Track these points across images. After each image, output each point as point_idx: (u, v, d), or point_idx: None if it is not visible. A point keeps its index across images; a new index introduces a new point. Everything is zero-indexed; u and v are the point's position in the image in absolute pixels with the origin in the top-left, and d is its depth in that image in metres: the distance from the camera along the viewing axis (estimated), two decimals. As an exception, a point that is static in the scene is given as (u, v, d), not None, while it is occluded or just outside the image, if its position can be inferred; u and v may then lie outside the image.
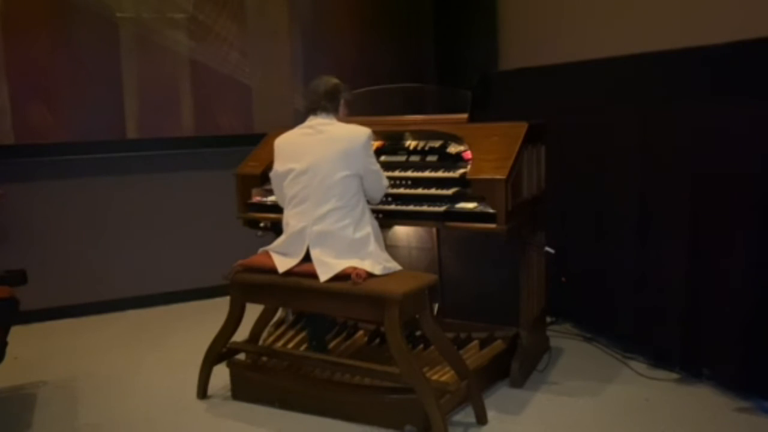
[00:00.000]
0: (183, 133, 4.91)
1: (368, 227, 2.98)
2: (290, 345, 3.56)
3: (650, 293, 3.48)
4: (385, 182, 3.13)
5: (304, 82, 5.04)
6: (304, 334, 3.65)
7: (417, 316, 2.85)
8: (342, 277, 2.83)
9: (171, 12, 4.79)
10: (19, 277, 3.34)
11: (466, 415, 3.00)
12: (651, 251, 3.46)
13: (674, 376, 3.35)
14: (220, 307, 3.32)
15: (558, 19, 4.37)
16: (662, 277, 3.40)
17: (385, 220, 3.23)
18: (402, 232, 3.63)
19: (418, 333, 3.36)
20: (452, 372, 2.99)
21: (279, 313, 3.69)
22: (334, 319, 3.71)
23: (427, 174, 3.28)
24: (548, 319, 3.88)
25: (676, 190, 3.29)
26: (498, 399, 3.18)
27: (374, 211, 3.16)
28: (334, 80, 3.12)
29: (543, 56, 4.40)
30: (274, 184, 3.20)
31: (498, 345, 3.38)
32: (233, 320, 3.19)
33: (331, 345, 3.58)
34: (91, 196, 4.68)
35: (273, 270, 2.98)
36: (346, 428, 2.95)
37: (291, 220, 3.01)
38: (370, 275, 2.83)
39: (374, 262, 2.89)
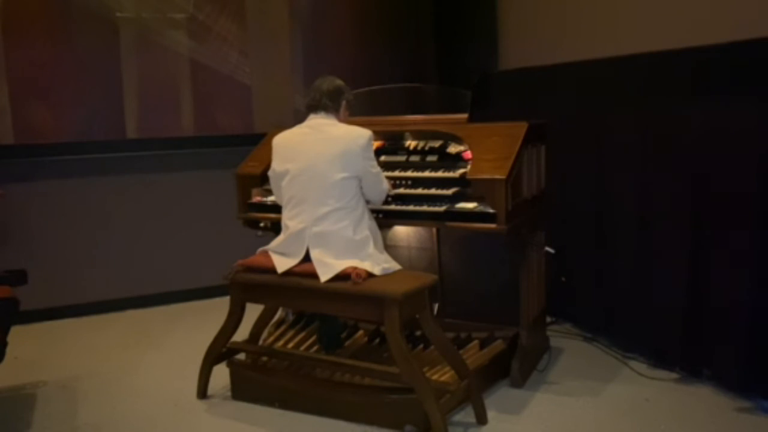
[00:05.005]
0: (183, 133, 4.91)
1: (367, 230, 2.97)
2: (290, 345, 3.56)
3: (650, 293, 3.48)
4: (386, 186, 3.12)
5: (304, 82, 5.05)
6: (304, 333, 3.65)
7: (417, 316, 2.85)
8: (342, 277, 2.83)
9: (171, 12, 4.79)
10: (19, 277, 3.34)
11: (466, 415, 3.00)
12: (651, 251, 3.46)
13: (674, 376, 3.35)
14: (220, 307, 3.32)
15: (558, 19, 4.37)
16: (662, 277, 3.40)
17: (385, 220, 3.23)
18: (402, 232, 3.63)
19: (418, 333, 3.36)
20: (452, 372, 2.99)
21: (279, 313, 3.69)
22: (345, 322, 3.70)
23: (427, 174, 3.28)
24: (548, 319, 3.88)
25: (677, 190, 3.29)
26: (498, 399, 3.18)
27: (374, 211, 3.16)
28: (339, 81, 3.12)
29: (543, 56, 4.40)
30: (273, 184, 3.19)
31: (498, 345, 3.38)
32: (233, 320, 3.19)
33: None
34: (91, 196, 4.68)
35: (273, 270, 2.98)
36: (346, 428, 2.95)
37: (290, 221, 3.01)
38: (370, 275, 2.83)
39: (374, 263, 2.89)
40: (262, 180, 3.53)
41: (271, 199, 3.47)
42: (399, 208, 3.20)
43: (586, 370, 3.48)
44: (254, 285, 3.08)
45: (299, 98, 5.02)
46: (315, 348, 3.53)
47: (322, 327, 3.50)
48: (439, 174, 3.25)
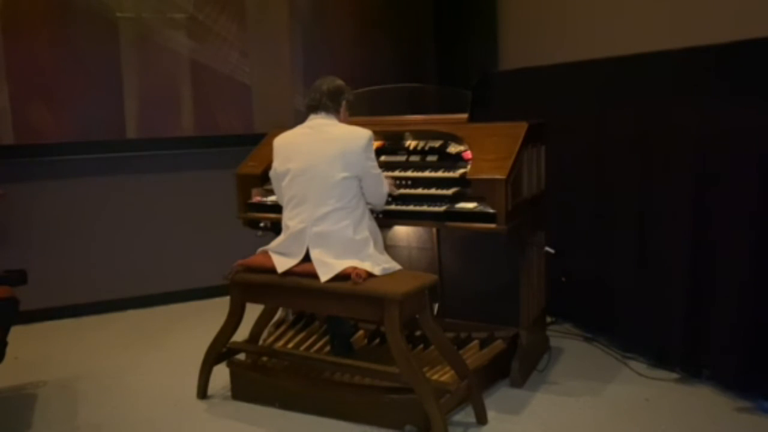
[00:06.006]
0: (183, 133, 4.91)
1: (367, 230, 2.97)
2: (290, 345, 3.56)
3: (650, 293, 3.48)
4: (386, 189, 3.11)
5: (304, 82, 5.05)
6: (304, 333, 3.65)
7: (417, 316, 2.85)
8: (342, 277, 2.83)
9: (171, 12, 4.79)
10: (19, 277, 3.34)
11: (466, 415, 3.00)
12: (651, 251, 3.46)
13: (674, 376, 3.35)
14: (220, 307, 3.33)
15: (558, 19, 4.37)
16: (662, 277, 3.40)
17: (385, 220, 3.22)
18: (402, 232, 3.63)
19: (418, 333, 3.36)
20: (452, 372, 2.99)
21: (279, 313, 3.69)
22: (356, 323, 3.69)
23: (427, 174, 3.28)
24: (548, 319, 3.88)
25: (677, 190, 3.29)
26: (498, 399, 3.18)
27: (374, 211, 3.15)
28: (339, 81, 3.11)
29: (543, 56, 4.40)
30: (274, 184, 3.20)
31: (498, 345, 3.38)
32: (233, 320, 3.19)
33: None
34: (91, 196, 4.68)
35: (273, 270, 2.98)
36: (346, 428, 2.95)
37: (290, 221, 3.01)
38: (370, 275, 2.83)
39: (374, 263, 2.89)
40: (262, 180, 3.53)
41: (271, 199, 3.47)
42: (399, 208, 3.20)
43: (586, 370, 3.48)
44: (254, 285, 3.08)
45: (299, 98, 5.02)
46: (315, 348, 3.53)
47: (332, 330, 3.49)
48: (439, 174, 3.25)
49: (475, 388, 2.93)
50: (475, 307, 3.52)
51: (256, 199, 3.56)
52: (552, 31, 4.43)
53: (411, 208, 3.17)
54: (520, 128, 3.16)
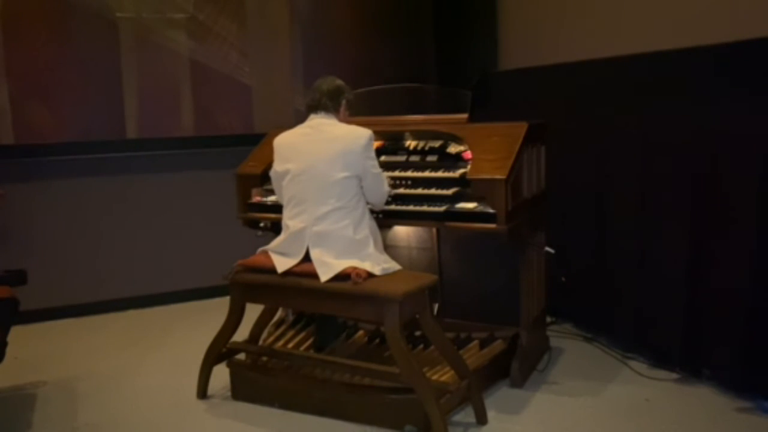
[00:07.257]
0: (183, 133, 4.91)
1: (367, 229, 2.97)
2: (290, 345, 3.56)
3: (650, 293, 3.48)
4: (387, 188, 3.11)
5: (304, 82, 5.05)
6: (304, 333, 3.65)
7: (417, 316, 2.85)
8: (342, 277, 2.83)
9: (171, 12, 4.79)
10: (19, 277, 3.34)
11: (466, 415, 3.00)
12: (651, 251, 3.46)
13: (674, 376, 3.35)
14: (220, 307, 3.32)
15: (558, 19, 4.37)
16: (662, 277, 3.40)
17: (385, 220, 3.23)
18: (402, 232, 3.63)
19: (418, 333, 3.36)
20: (452, 372, 2.99)
21: (279, 313, 3.69)
22: (344, 322, 3.70)
23: (427, 174, 3.28)
24: (548, 319, 3.88)
25: (677, 190, 3.29)
26: (498, 399, 3.18)
27: (374, 211, 3.15)
28: (338, 81, 3.12)
29: (543, 56, 4.40)
30: (274, 184, 3.20)
31: (498, 345, 3.38)
32: (233, 320, 3.19)
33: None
34: (91, 196, 4.68)
35: (273, 270, 2.98)
36: (346, 428, 2.95)
37: (290, 221, 3.01)
38: (370, 275, 2.83)
39: (374, 263, 2.89)
40: (262, 180, 3.53)
41: (271, 199, 3.47)
42: (399, 208, 3.20)
43: (586, 370, 3.48)
44: (254, 285, 3.08)
45: (299, 98, 5.02)
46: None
47: (321, 328, 3.50)
48: (439, 174, 3.25)
49: (475, 388, 2.93)
50: (475, 307, 3.52)
51: (256, 199, 3.56)
52: (552, 32, 4.43)
53: (411, 208, 3.17)
54: (520, 128, 3.16)
